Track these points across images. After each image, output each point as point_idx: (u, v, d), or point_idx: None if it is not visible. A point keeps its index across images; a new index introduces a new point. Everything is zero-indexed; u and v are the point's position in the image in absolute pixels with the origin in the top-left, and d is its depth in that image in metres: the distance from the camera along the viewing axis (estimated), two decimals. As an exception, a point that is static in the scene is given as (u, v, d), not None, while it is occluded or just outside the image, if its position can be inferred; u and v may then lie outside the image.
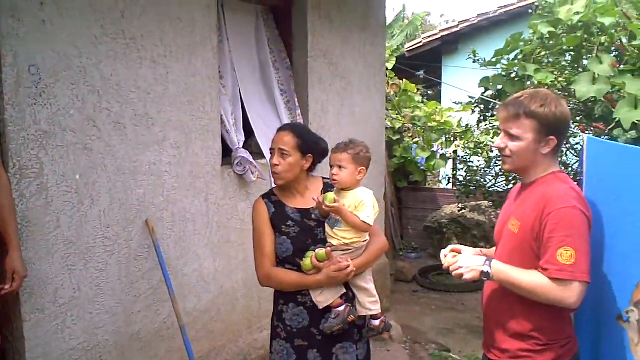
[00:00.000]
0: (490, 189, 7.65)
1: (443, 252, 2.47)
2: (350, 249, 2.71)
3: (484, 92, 5.83)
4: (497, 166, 8.04)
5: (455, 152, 9.45)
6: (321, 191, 2.85)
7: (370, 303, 2.78)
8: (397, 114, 8.42)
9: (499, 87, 5.08)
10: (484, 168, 8.25)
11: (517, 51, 5.13)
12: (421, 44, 12.66)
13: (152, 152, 3.67)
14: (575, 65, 4.75)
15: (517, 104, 2.33)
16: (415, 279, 8.11)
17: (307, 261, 2.66)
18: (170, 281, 3.66)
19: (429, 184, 10.75)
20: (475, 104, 6.35)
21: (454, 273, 2.34)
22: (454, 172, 9.57)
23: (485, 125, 7.36)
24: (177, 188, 3.89)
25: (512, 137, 2.34)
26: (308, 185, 2.85)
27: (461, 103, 6.23)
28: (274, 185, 2.95)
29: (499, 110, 2.42)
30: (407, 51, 12.63)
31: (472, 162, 8.51)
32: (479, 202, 8.53)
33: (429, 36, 12.56)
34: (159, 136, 3.71)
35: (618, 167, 2.44)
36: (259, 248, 2.78)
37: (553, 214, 2.22)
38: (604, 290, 2.48)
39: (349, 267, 2.62)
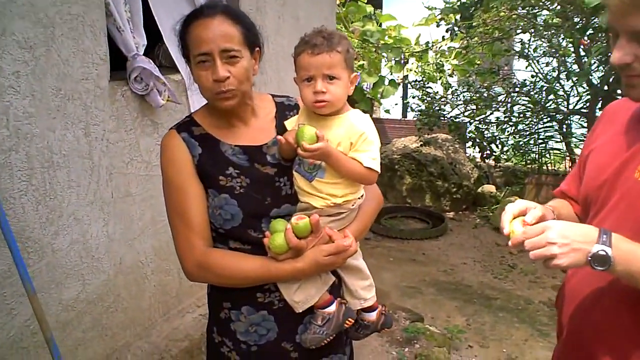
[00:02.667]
0: (456, 119, 6.65)
1: (505, 217, 1.53)
2: (342, 213, 1.79)
3: None
4: (460, 93, 7.06)
5: (405, 76, 8.27)
6: (275, 116, 1.90)
7: (363, 289, 1.95)
8: (343, 29, 7.00)
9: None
10: (443, 96, 7.26)
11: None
12: None
13: (-21, 52, 2.18)
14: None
15: None
16: (366, 224, 6.97)
17: (278, 238, 1.68)
18: (24, 265, 2.25)
19: (377, 114, 9.56)
20: (441, 15, 5.19)
21: (536, 255, 1.39)
22: (405, 100, 8.41)
23: (457, 41, 6.32)
24: (33, 115, 2.44)
25: None
26: (254, 106, 1.87)
27: (434, 8, 4.95)
28: (193, 109, 1.88)
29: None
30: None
31: (431, 87, 7.45)
32: (434, 135, 7.56)
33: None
34: (-7, 26, 2.22)
35: None
36: (179, 217, 1.78)
37: None
38: None
39: (351, 246, 1.73)
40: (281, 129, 1.82)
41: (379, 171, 1.72)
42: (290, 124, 1.83)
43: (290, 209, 1.78)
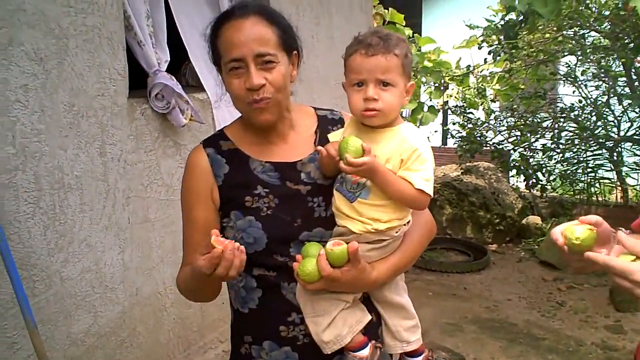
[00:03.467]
0: (499, 146, 6.34)
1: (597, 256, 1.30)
2: (384, 241, 1.57)
3: (504, 16, 4.45)
4: (504, 119, 6.75)
5: (445, 102, 8.01)
6: (315, 131, 1.72)
7: (407, 330, 1.72)
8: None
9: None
10: (485, 122, 6.96)
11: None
12: None
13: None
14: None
15: None
16: (404, 255, 6.68)
17: (310, 265, 1.48)
18: (25, 295, 2.04)
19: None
20: (483, 37, 4.95)
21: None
22: (445, 127, 8.14)
23: (500, 64, 6.04)
24: (42, 132, 2.26)
25: None
26: (293, 119, 1.71)
27: (477, 27, 4.74)
28: (223, 125, 1.78)
29: None
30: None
31: (472, 113, 7.17)
32: (476, 163, 7.26)
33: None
34: (0, 36, 2.06)
35: None
36: (184, 232, 1.70)
37: None
38: None
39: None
40: (322, 145, 1.62)
41: (432, 195, 1.50)
42: (334, 137, 1.64)
43: (323, 233, 1.60)
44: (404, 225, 1.59)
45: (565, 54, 6.12)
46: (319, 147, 1.54)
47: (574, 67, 6.45)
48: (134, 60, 2.75)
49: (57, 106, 2.31)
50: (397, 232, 1.56)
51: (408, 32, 6.84)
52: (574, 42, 6.02)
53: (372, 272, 1.53)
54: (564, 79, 6.54)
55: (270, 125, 1.63)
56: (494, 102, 7.42)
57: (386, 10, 6.77)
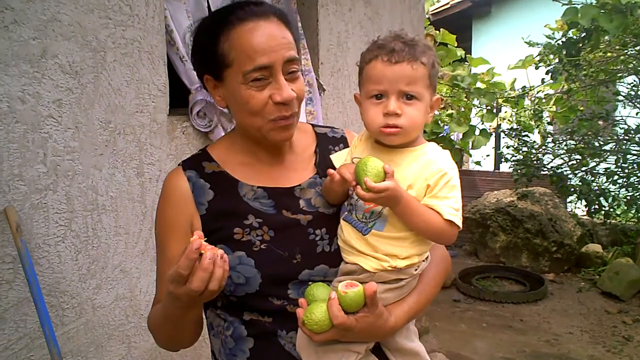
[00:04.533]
0: (559, 170, 5.99)
1: None
2: (402, 280, 1.34)
3: (565, 33, 4.23)
4: (562, 142, 6.41)
5: (498, 126, 7.70)
6: (315, 151, 1.51)
7: None
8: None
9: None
10: (542, 145, 6.64)
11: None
12: (448, 6, 11.33)
13: (15, 77, 1.92)
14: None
15: None
16: (455, 284, 6.57)
17: (318, 311, 1.20)
18: (51, 324, 1.89)
19: (466, 167, 9.00)
20: (541, 56, 4.69)
21: None
22: (498, 151, 7.83)
23: (557, 86, 5.74)
24: (76, 150, 2.12)
25: None
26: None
27: (538, 44, 4.52)
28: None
29: None
30: (432, 14, 11.22)
31: (528, 136, 6.86)
32: (531, 189, 6.95)
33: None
34: (33, 47, 1.96)
35: None
36: (157, 266, 1.44)
37: None
38: None
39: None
40: (323, 167, 1.41)
41: (461, 227, 1.28)
42: (339, 158, 1.41)
43: (326, 271, 1.37)
44: (423, 261, 1.35)
45: (627, 74, 5.77)
46: (330, 171, 1.30)
47: (636, 87, 6.10)
48: (174, 76, 2.62)
49: (92, 123, 2.17)
50: (416, 270, 1.33)
51: (460, 52, 6.61)
52: (636, 60, 5.69)
53: (390, 317, 1.28)
54: (627, 100, 6.18)
55: (239, 141, 1.41)
56: (551, 124, 7.09)
57: (437, 32, 6.56)
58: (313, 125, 1.56)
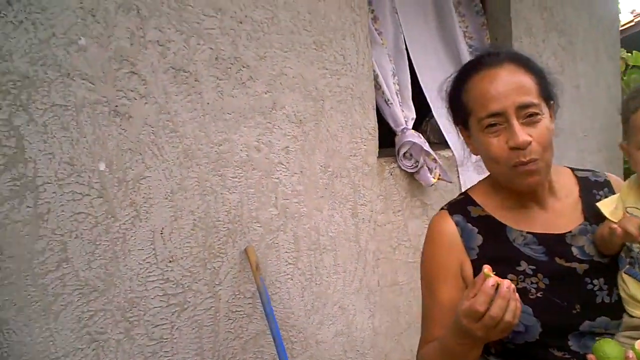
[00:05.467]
0: None
1: None
2: None
3: None
4: None
5: None
6: (580, 196, 1.44)
7: None
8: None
9: None
10: None
11: None
12: (633, 23, 10.26)
13: (251, 128, 2.11)
14: None
15: None
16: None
17: None
18: (287, 358, 2.00)
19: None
20: None
21: None
22: None
23: None
24: (301, 193, 2.28)
25: None
26: (551, 181, 1.43)
27: None
28: (467, 186, 1.67)
29: None
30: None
31: None
32: None
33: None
34: (264, 101, 2.14)
35: None
36: (425, 307, 1.45)
37: None
38: None
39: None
40: (591, 213, 1.35)
41: None
42: (607, 205, 1.33)
43: (607, 323, 1.28)
44: None
45: None
46: (613, 225, 1.23)
47: None
48: (380, 118, 2.72)
49: (314, 167, 2.33)
50: None
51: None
52: None
53: None
54: None
55: (505, 187, 1.37)
56: None
57: (629, 54, 6.10)
58: (572, 169, 1.51)
